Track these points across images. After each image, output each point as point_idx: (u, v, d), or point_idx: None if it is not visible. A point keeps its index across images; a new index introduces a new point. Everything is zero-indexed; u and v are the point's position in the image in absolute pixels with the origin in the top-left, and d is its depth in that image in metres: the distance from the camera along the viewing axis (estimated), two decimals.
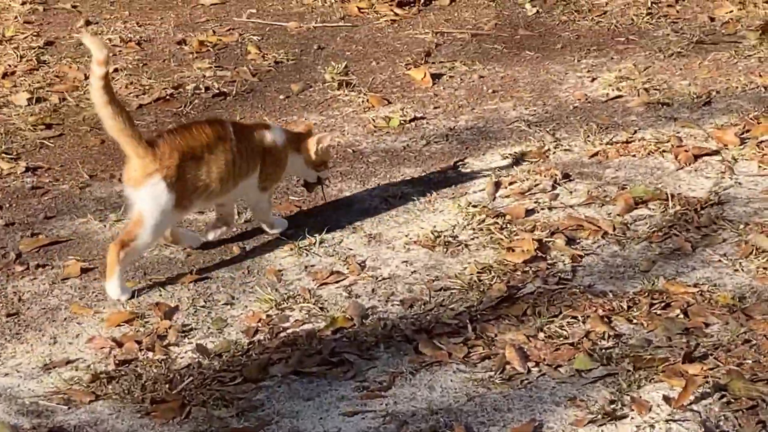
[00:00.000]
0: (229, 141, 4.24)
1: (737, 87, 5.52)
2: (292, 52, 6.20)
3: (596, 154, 4.97)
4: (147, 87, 5.79)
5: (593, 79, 5.71)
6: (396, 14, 6.60)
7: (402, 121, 5.38)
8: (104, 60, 3.97)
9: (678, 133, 5.09)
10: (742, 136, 5.01)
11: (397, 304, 4.05)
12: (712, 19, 6.31)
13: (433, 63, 5.98)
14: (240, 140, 4.28)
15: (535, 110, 5.44)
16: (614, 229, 4.40)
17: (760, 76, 5.60)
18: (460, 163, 5.00)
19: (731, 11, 6.34)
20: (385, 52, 6.16)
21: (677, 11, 6.46)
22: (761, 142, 4.95)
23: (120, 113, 4.05)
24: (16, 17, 6.65)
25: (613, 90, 5.57)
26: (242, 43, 6.32)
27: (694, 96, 5.44)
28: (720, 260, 4.19)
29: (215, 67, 6.02)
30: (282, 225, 4.53)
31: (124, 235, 4.15)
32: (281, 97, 5.71)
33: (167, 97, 5.70)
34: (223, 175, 4.24)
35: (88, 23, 6.57)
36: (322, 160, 4.55)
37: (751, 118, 5.15)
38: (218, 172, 4.22)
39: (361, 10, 6.68)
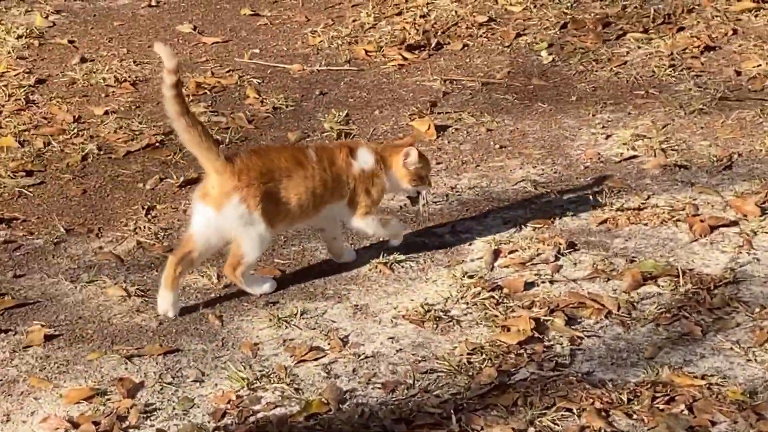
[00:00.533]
0: (310, 168, 4.13)
1: (761, 150, 5.15)
2: (292, 97, 5.90)
3: (605, 221, 4.64)
4: (137, 132, 5.51)
5: (608, 137, 5.37)
6: (404, 58, 6.26)
7: None
8: (174, 68, 3.90)
9: (694, 200, 4.75)
10: (764, 205, 4.66)
11: (379, 388, 3.74)
12: (738, 74, 5.90)
13: (439, 113, 5.66)
14: (323, 168, 4.16)
15: (543, 169, 5.11)
16: (619, 309, 4.07)
17: None
18: (459, 226, 4.68)
19: (759, 65, 5.95)
20: (389, 100, 5.85)
21: (701, 63, 6.05)
22: None
23: (195, 125, 3.98)
24: (9, 52, 6.39)
25: (628, 149, 5.22)
26: (241, 86, 6.02)
27: (714, 159, 5.08)
28: (732, 348, 3.85)
29: (210, 111, 5.72)
30: (350, 256, 4.48)
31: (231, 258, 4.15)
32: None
33: (156, 144, 5.40)
34: (303, 201, 4.13)
35: (83, 60, 6.30)
36: (416, 174, 4.33)
37: None
38: (297, 197, 4.11)
39: (369, 53, 6.35)
